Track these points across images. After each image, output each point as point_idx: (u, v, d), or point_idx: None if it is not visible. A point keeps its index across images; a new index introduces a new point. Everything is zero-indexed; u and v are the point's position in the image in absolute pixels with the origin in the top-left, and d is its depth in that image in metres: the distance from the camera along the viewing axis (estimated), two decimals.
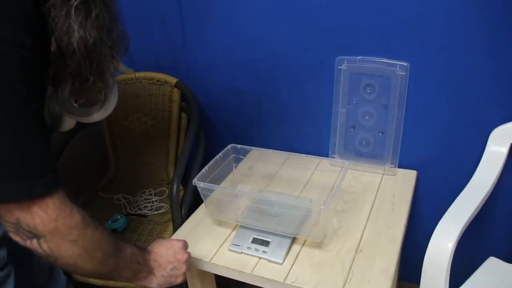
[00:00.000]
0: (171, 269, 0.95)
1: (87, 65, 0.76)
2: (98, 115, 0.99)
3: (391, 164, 1.34)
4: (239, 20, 1.37)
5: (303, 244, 1.09)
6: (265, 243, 1.07)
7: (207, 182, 1.12)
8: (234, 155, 1.28)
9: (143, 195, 1.57)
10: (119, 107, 1.57)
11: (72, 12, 0.70)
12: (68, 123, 1.00)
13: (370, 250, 1.05)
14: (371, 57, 1.25)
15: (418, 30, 1.18)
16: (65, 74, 0.84)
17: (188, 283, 1.17)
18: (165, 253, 0.96)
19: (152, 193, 1.57)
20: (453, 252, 1.01)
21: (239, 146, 1.27)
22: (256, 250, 1.06)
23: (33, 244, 0.73)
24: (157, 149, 1.60)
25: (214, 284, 1.25)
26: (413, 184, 1.30)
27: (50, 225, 0.72)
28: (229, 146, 1.27)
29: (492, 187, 1.18)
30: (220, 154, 1.23)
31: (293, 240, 1.09)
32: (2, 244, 0.92)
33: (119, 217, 1.42)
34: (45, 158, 0.72)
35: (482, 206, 1.14)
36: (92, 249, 0.79)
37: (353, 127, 1.36)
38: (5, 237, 0.82)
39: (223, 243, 1.11)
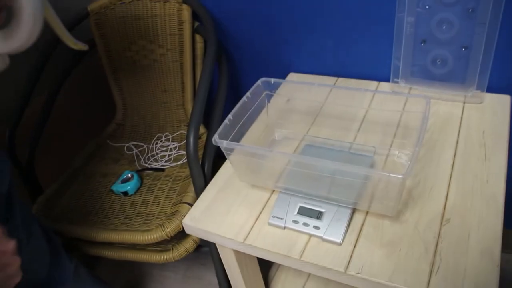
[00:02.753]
0: None
1: None
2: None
3: (477, 88, 1.00)
4: None
5: (367, 213, 0.81)
6: (317, 215, 0.80)
7: (232, 139, 0.84)
8: (267, 92, 0.97)
9: (159, 141, 1.30)
10: (117, 35, 1.26)
11: None
12: None
13: (461, 219, 0.77)
14: None
15: None
16: None
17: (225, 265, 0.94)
18: None
19: (169, 138, 1.30)
20: None
21: (272, 80, 0.96)
22: (305, 224, 0.80)
23: None
24: (170, 84, 1.30)
25: (256, 260, 1.01)
26: (508, 114, 0.97)
27: None
28: (259, 81, 0.95)
29: None
30: (248, 93, 0.92)
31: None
32: None
33: (130, 175, 1.16)
34: None
35: None
36: None
37: (424, 41, 1.01)
38: None
39: (260, 214, 0.85)
